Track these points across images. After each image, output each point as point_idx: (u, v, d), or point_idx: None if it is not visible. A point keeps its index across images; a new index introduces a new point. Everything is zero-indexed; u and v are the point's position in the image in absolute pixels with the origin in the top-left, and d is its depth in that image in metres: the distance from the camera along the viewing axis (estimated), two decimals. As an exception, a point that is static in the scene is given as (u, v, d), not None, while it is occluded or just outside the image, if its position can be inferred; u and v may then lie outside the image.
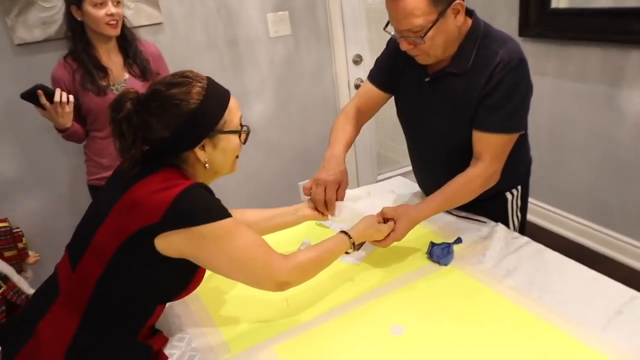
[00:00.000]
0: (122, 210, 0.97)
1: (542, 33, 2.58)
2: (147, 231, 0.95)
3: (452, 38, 1.29)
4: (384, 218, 1.32)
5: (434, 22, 1.22)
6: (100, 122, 1.94)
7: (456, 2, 1.23)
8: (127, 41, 1.97)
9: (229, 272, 1.05)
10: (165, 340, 1.15)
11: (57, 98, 1.75)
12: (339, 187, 1.40)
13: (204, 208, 0.98)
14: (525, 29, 2.64)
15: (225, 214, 1.00)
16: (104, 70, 1.91)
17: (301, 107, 2.90)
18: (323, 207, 1.39)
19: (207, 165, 1.06)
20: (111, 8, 1.82)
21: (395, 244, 1.42)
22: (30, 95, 1.74)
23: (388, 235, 1.29)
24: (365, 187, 1.85)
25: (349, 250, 1.21)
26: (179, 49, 2.48)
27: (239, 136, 1.10)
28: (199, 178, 1.08)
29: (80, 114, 1.94)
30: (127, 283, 1.00)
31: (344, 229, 1.23)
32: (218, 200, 1.02)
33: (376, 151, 3.26)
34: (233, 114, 1.07)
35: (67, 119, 1.82)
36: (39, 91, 1.73)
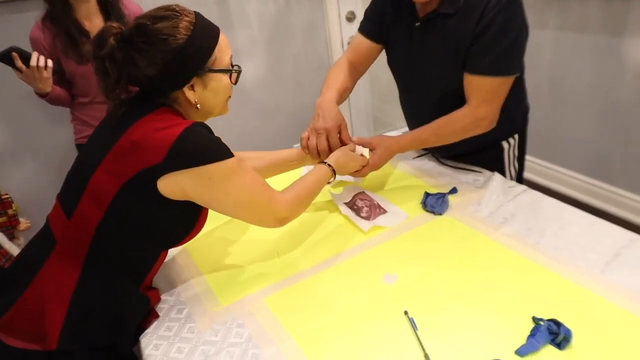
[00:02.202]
0: (120, 152, 0.93)
1: (541, -18, 2.49)
2: (149, 172, 0.91)
3: None
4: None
5: None
6: (85, 87, 1.86)
7: None
8: (109, 2, 1.84)
9: (233, 210, 1.03)
10: (158, 298, 1.12)
11: (33, 62, 1.64)
12: (340, 131, 1.35)
13: (208, 147, 0.94)
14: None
15: (229, 153, 0.98)
16: (86, 35, 1.78)
17: (294, 67, 2.83)
18: (327, 156, 1.34)
19: (198, 106, 1.01)
20: None
21: (388, 193, 1.39)
22: (4, 57, 1.65)
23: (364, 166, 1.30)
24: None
25: (330, 180, 1.23)
26: (165, 2, 2.39)
27: (230, 76, 1.05)
28: (192, 118, 1.04)
29: (64, 77, 1.86)
30: (129, 228, 0.96)
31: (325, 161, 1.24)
32: (219, 140, 0.99)
33: (372, 114, 3.20)
34: (223, 52, 1.02)
35: (46, 84, 1.72)
36: (14, 54, 1.63)
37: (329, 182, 1.23)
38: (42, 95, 1.80)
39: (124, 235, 0.97)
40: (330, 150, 1.34)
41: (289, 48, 2.78)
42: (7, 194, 2.14)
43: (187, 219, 1.03)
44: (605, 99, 2.40)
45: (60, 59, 1.80)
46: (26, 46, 1.73)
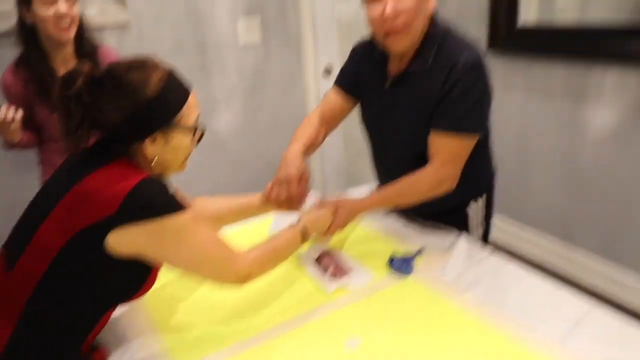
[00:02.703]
0: (71, 204, 0.90)
1: (509, 48, 2.62)
2: (99, 226, 0.88)
3: (424, 24, 1.29)
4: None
5: None
6: (56, 134, 1.78)
7: None
8: (85, 50, 1.78)
9: (188, 267, 1.00)
10: (106, 356, 1.07)
11: (1, 116, 1.55)
12: (301, 182, 1.35)
13: (162, 201, 0.92)
14: (493, 44, 2.67)
15: (184, 208, 0.95)
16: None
17: (270, 117, 2.85)
18: (287, 206, 1.34)
19: (155, 159, 0.99)
20: (61, 7, 1.64)
21: (354, 253, 1.39)
22: None
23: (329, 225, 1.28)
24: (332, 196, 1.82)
25: (302, 243, 1.20)
26: (145, 52, 2.41)
27: (193, 135, 1.04)
28: (150, 172, 1.01)
29: (34, 122, 1.78)
30: (73, 284, 0.92)
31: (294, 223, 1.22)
32: (174, 193, 0.96)
33: (345, 168, 3.23)
34: (191, 110, 1.01)
35: (15, 135, 1.64)
36: None
37: (302, 243, 1.20)
38: (10, 146, 1.74)
39: (67, 291, 0.92)
40: (290, 200, 1.32)
41: (266, 98, 2.81)
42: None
43: (136, 276, 1.00)
44: (568, 162, 2.49)
45: (32, 104, 1.74)
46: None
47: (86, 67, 0.94)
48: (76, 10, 1.71)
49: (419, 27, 1.27)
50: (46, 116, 1.76)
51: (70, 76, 0.93)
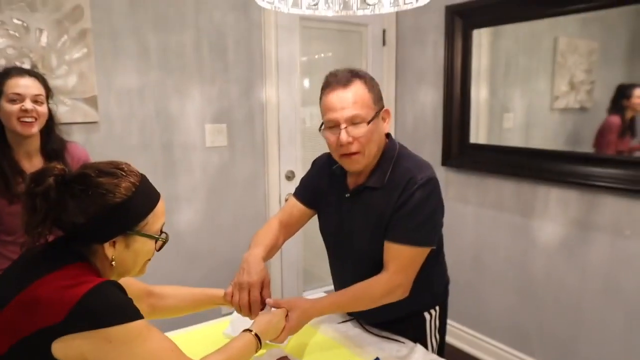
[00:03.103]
0: (20, 307, 0.87)
1: (462, 164, 2.80)
2: (45, 333, 0.84)
3: (380, 143, 1.39)
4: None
5: (374, 117, 1.33)
6: (11, 226, 1.75)
7: (385, 109, 1.39)
8: (52, 148, 1.80)
9: None
10: None
11: None
12: (262, 288, 1.35)
13: (111, 308, 0.89)
14: (447, 160, 2.86)
15: (137, 315, 0.92)
16: (21, 175, 1.70)
17: (231, 217, 2.88)
18: (247, 311, 1.33)
19: (113, 263, 0.98)
20: (27, 104, 1.68)
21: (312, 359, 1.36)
22: None
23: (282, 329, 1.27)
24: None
25: (257, 348, 1.18)
26: (112, 149, 2.45)
27: (155, 242, 1.04)
28: (108, 275, 1.00)
29: None
30: None
31: (247, 328, 1.20)
32: (129, 300, 0.94)
33: (302, 267, 3.23)
34: (157, 218, 1.02)
35: None
36: None
37: (256, 350, 1.18)
38: None
39: None
40: (250, 305, 1.32)
41: (228, 197, 2.86)
42: None
43: None
44: (520, 272, 2.58)
45: None
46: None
47: (59, 167, 0.96)
48: (43, 108, 1.74)
49: (373, 149, 1.38)
50: (4, 207, 1.72)
51: (42, 173, 0.94)
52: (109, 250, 0.97)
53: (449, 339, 2.91)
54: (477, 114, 2.80)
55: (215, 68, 2.71)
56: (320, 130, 1.40)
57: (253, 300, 1.32)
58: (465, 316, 2.88)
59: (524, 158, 2.52)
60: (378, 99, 1.37)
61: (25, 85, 1.71)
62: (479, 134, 2.81)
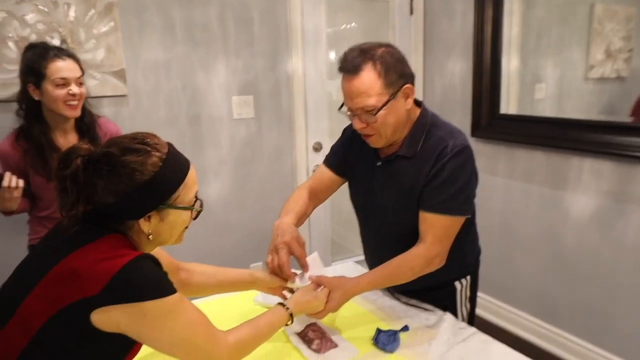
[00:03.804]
0: (58, 278, 0.88)
1: (491, 135, 2.75)
2: (84, 303, 0.86)
3: (401, 120, 1.36)
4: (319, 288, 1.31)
5: (386, 103, 1.29)
6: (48, 202, 1.82)
7: (406, 86, 1.31)
8: (84, 123, 1.86)
9: (169, 350, 0.97)
10: None
11: (5, 183, 1.61)
12: (297, 247, 1.36)
13: (148, 283, 0.90)
14: (476, 130, 2.81)
15: (171, 290, 0.93)
16: (58, 152, 1.75)
17: (258, 189, 2.90)
18: (288, 271, 1.34)
19: (150, 237, 0.99)
20: (74, 88, 1.75)
21: (341, 327, 1.38)
22: None
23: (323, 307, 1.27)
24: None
25: (288, 323, 1.17)
26: (141, 123, 2.49)
27: (191, 212, 1.04)
28: (144, 246, 1.01)
29: (29, 190, 1.80)
30: (55, 357, 0.89)
31: (281, 302, 1.20)
32: (164, 275, 0.95)
33: (330, 238, 3.25)
34: (188, 189, 1.01)
35: (14, 203, 1.68)
36: None
37: (286, 325, 1.19)
38: (7, 213, 1.75)
39: None
40: (298, 259, 1.34)
41: (255, 170, 2.88)
42: None
43: (119, 351, 0.97)
44: (551, 245, 2.54)
45: (29, 174, 1.77)
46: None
47: (84, 146, 0.96)
48: (83, 90, 1.81)
49: (389, 131, 1.34)
50: (42, 185, 1.78)
51: (68, 156, 0.94)
52: (144, 225, 0.97)
53: (478, 310, 2.90)
54: (508, 84, 2.73)
55: (241, 40, 2.70)
56: (339, 109, 1.38)
57: (299, 255, 1.35)
58: (494, 288, 2.87)
59: (556, 128, 2.45)
60: (394, 79, 1.28)
61: (69, 69, 1.76)
62: (509, 105, 2.74)
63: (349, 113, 1.35)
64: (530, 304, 2.70)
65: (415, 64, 3.13)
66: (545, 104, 2.63)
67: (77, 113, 1.79)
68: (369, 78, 1.27)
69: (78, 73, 1.78)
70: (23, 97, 1.77)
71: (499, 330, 2.82)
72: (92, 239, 0.93)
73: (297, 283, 1.35)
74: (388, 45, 1.33)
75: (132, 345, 0.98)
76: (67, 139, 1.83)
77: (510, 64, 2.70)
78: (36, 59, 1.73)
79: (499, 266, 2.83)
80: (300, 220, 1.50)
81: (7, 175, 1.63)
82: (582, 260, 2.41)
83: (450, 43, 2.98)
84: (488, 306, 2.92)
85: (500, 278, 2.83)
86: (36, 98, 1.75)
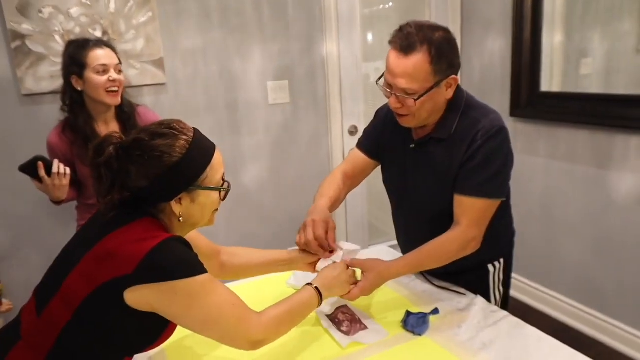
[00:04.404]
0: (96, 258, 0.95)
1: (532, 114, 2.66)
2: (118, 282, 0.92)
3: (438, 107, 1.34)
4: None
5: (428, 90, 1.26)
6: (92, 191, 1.90)
7: (452, 77, 1.29)
8: (125, 112, 1.92)
9: (201, 329, 1.01)
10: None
11: (55, 169, 1.70)
12: (327, 229, 1.37)
13: (178, 263, 0.95)
14: (516, 110, 2.73)
15: (200, 270, 0.98)
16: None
17: (295, 173, 2.94)
18: (315, 247, 1.35)
19: (180, 218, 1.04)
20: (113, 74, 1.82)
21: (370, 309, 1.39)
22: (28, 167, 1.70)
23: (356, 286, 1.29)
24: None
25: (319, 302, 1.20)
26: (180, 110, 2.56)
27: (219, 192, 1.08)
28: (176, 229, 1.06)
29: (76, 179, 1.90)
30: (93, 333, 0.96)
31: (309, 282, 1.22)
32: (194, 256, 1.00)
33: (367, 221, 3.26)
34: (215, 170, 1.05)
35: (63, 192, 1.77)
36: (39, 163, 1.69)
37: (318, 305, 1.20)
38: (57, 203, 1.85)
39: (87, 339, 0.96)
40: (318, 240, 1.34)
41: (292, 154, 2.91)
42: (-4, 275, 2.14)
43: (152, 329, 1.02)
44: (596, 227, 2.46)
45: (76, 164, 1.87)
46: (42, 146, 1.85)
47: (116, 135, 1.02)
48: (122, 77, 1.88)
49: (423, 115, 1.33)
50: (88, 174, 1.86)
51: (101, 145, 1.00)
52: (176, 207, 1.02)
53: (515, 293, 2.86)
54: (551, 60, 2.62)
55: (276, 25, 2.72)
56: (377, 81, 1.37)
57: (317, 236, 1.34)
58: (533, 271, 2.81)
59: (602, 105, 2.34)
60: (443, 68, 1.25)
61: (108, 56, 1.83)
62: (552, 82, 2.64)
63: (387, 90, 1.32)
64: (573, 288, 2.64)
65: (453, 42, 3.05)
66: (592, 79, 2.52)
67: (118, 101, 1.86)
68: (420, 61, 1.23)
69: (116, 60, 1.85)
70: (67, 90, 1.85)
71: (538, 314, 2.77)
72: (127, 222, 0.99)
73: (332, 258, 1.36)
74: (446, 30, 1.28)
75: (166, 325, 1.03)
76: (109, 129, 1.90)
77: (553, 38, 2.60)
78: (77, 51, 1.81)
79: (537, 249, 2.76)
80: (335, 204, 1.51)
81: (56, 162, 1.73)
82: (627, 242, 2.32)
83: (488, 20, 2.89)
84: (526, 289, 2.86)
85: (538, 261, 2.77)
86: (79, 88, 1.82)
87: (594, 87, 2.48)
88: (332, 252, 1.37)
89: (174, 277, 0.93)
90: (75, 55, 1.81)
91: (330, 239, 1.37)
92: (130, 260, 0.92)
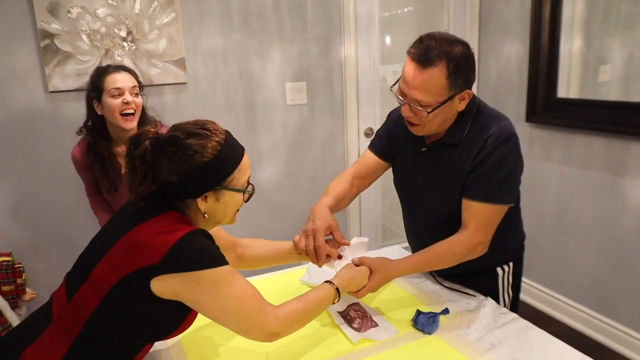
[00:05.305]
0: (124, 248, 1.00)
1: (548, 120, 2.67)
2: (145, 271, 0.97)
3: (448, 118, 1.37)
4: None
5: (442, 103, 1.28)
6: (112, 205, 2.03)
7: (466, 91, 1.31)
8: None
9: (220, 318, 1.06)
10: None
11: None
12: (332, 232, 1.40)
13: (201, 254, 1.00)
14: (532, 116, 2.73)
15: (222, 261, 1.02)
16: (117, 169, 1.93)
17: (310, 173, 2.98)
18: (315, 257, 1.38)
19: (205, 215, 1.09)
20: (127, 96, 1.84)
21: (382, 307, 1.42)
22: None
23: (363, 286, 1.31)
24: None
25: (335, 300, 1.23)
26: (200, 108, 2.62)
27: (243, 194, 1.13)
28: (200, 224, 1.11)
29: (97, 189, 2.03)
30: (120, 319, 1.01)
31: (329, 280, 1.26)
32: (217, 248, 1.05)
33: (381, 224, 3.28)
34: (242, 173, 1.10)
35: None
36: None
37: (333, 303, 1.24)
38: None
39: (114, 325, 1.01)
40: (316, 251, 1.37)
41: (308, 155, 2.95)
42: (20, 264, 2.21)
43: (175, 317, 1.07)
44: (608, 234, 2.45)
45: (97, 179, 1.98)
46: (66, 142, 1.94)
47: (152, 130, 1.07)
48: (139, 100, 1.90)
49: (433, 126, 1.35)
50: (107, 189, 1.96)
51: (138, 138, 1.05)
52: (201, 204, 1.07)
53: (526, 297, 2.86)
54: (569, 66, 2.62)
55: (295, 27, 2.76)
56: (391, 88, 1.40)
57: (318, 245, 1.37)
58: (545, 276, 2.81)
59: (620, 113, 2.34)
60: (459, 84, 1.27)
61: (123, 79, 1.86)
62: (569, 88, 2.64)
63: (401, 98, 1.34)
64: (582, 294, 2.64)
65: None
66: (610, 87, 2.51)
67: (133, 125, 1.88)
68: (436, 75, 1.24)
69: (132, 83, 1.88)
70: (90, 115, 1.92)
71: (549, 319, 2.77)
72: (154, 215, 1.04)
73: (336, 265, 1.40)
74: (465, 45, 1.29)
75: (187, 314, 1.08)
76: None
77: (572, 44, 2.59)
78: (97, 77, 1.87)
79: (549, 254, 2.76)
80: (339, 203, 1.54)
81: None
82: (639, 249, 2.32)
83: (506, 25, 2.90)
84: (536, 293, 2.86)
85: (550, 266, 2.77)
86: (99, 113, 1.88)
87: (612, 94, 2.47)
88: (340, 256, 1.41)
89: (198, 268, 0.98)
90: (95, 81, 1.87)
91: (337, 238, 1.40)
92: (157, 251, 0.97)
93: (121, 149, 1.93)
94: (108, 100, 1.84)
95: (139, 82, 1.93)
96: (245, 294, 1.05)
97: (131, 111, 1.86)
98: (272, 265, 1.48)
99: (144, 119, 1.94)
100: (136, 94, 1.89)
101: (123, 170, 1.89)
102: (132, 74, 1.91)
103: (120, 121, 1.85)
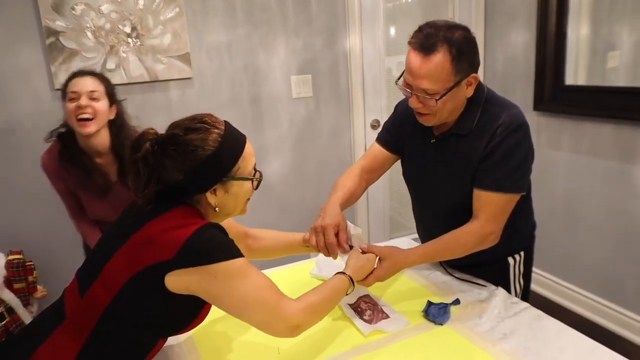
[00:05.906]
0: (137, 244, 1.00)
1: (555, 108, 2.64)
2: (159, 267, 0.97)
3: (458, 106, 1.36)
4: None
5: (449, 89, 1.27)
6: (93, 213, 1.87)
7: (472, 75, 1.30)
8: (122, 146, 1.76)
9: (239, 312, 1.04)
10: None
11: None
12: (338, 231, 1.40)
13: (216, 247, 1.00)
14: (539, 104, 2.71)
15: (237, 254, 1.02)
16: (100, 172, 1.79)
17: (317, 167, 2.97)
18: (326, 252, 1.38)
19: (216, 209, 1.09)
20: (82, 100, 1.68)
21: (392, 299, 1.42)
22: None
23: (371, 273, 1.31)
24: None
25: (349, 290, 1.23)
26: (205, 104, 2.62)
27: (252, 182, 1.13)
28: (211, 218, 1.11)
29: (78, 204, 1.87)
30: (133, 315, 1.01)
31: (341, 271, 1.26)
32: (231, 241, 1.04)
33: (389, 216, 3.28)
34: (247, 161, 1.10)
35: None
36: None
37: (347, 294, 1.24)
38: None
39: (127, 320, 1.01)
40: (329, 246, 1.36)
41: (314, 148, 2.95)
42: (31, 261, 2.23)
43: (188, 312, 1.07)
44: (618, 222, 2.44)
45: (77, 191, 1.83)
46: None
47: (151, 131, 1.07)
48: (100, 105, 1.72)
49: (444, 114, 1.34)
50: (89, 199, 1.84)
51: (138, 141, 1.05)
52: (211, 198, 1.07)
53: (536, 287, 2.85)
54: (577, 53, 2.60)
55: (299, 19, 2.75)
56: (396, 82, 1.39)
57: (328, 242, 1.37)
58: (555, 265, 2.80)
59: (628, 99, 2.32)
60: (464, 67, 1.26)
61: (82, 84, 1.71)
62: (577, 75, 2.61)
63: (407, 90, 1.33)
64: (593, 282, 2.62)
65: (476, 36, 3.03)
66: (619, 72, 2.48)
67: (89, 131, 1.70)
68: (440, 61, 1.23)
69: (92, 87, 1.72)
70: (64, 122, 1.80)
71: (560, 308, 2.76)
72: (165, 210, 1.04)
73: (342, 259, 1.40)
74: (466, 29, 1.28)
75: (200, 310, 1.08)
76: (104, 161, 1.82)
77: (579, 31, 2.57)
78: (66, 82, 1.76)
79: (559, 244, 2.75)
80: (350, 199, 1.53)
81: None
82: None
83: (512, 12, 2.87)
84: (547, 283, 2.85)
85: (560, 255, 2.76)
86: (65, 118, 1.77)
87: (621, 80, 2.44)
88: (351, 246, 1.40)
89: (213, 261, 0.98)
90: (63, 85, 1.77)
91: (342, 240, 1.39)
92: (171, 246, 0.96)
93: (99, 159, 1.80)
94: (67, 104, 1.71)
95: (109, 87, 1.78)
96: (262, 286, 1.04)
97: (86, 116, 1.69)
98: (281, 256, 1.49)
99: (121, 126, 1.80)
100: (95, 99, 1.71)
101: (113, 178, 1.81)
102: (99, 79, 1.77)
103: (76, 126, 1.71)
